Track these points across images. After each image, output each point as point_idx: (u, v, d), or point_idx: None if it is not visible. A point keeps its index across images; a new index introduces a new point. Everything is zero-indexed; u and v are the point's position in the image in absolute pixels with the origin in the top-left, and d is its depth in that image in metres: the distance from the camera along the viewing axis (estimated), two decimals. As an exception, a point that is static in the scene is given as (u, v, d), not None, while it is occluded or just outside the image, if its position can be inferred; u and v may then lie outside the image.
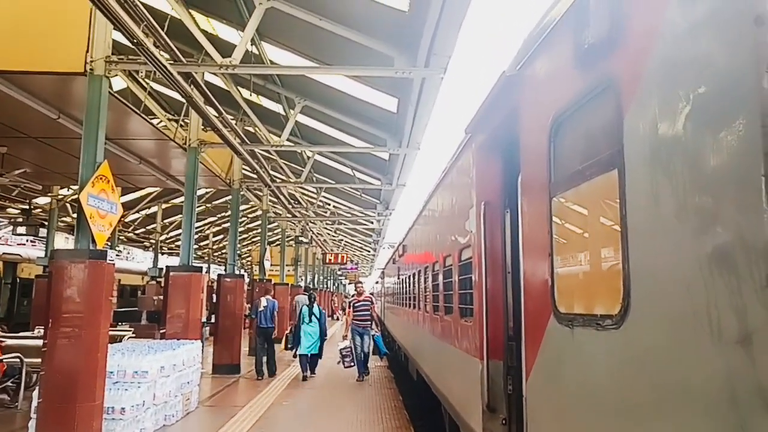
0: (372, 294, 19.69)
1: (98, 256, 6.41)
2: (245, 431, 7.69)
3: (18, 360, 8.54)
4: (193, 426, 8.24)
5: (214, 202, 21.52)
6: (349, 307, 13.63)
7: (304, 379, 12.22)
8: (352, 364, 12.38)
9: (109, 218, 6.81)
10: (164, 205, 21.86)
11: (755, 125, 1.47)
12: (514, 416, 4.11)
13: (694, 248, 1.70)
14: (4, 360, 8.51)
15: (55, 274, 6.24)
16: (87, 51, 6.72)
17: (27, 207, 17.80)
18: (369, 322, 12.80)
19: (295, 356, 13.25)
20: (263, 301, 12.99)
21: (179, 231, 27.04)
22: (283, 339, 13.85)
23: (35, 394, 6.44)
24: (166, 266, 11.88)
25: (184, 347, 8.59)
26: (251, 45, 8.46)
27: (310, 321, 12.54)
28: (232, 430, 7.73)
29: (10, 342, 9.50)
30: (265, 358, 12.62)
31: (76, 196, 16.69)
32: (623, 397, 2.12)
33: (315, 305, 12.93)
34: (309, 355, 12.53)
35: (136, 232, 25.10)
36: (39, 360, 8.33)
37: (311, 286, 27.35)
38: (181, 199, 20.46)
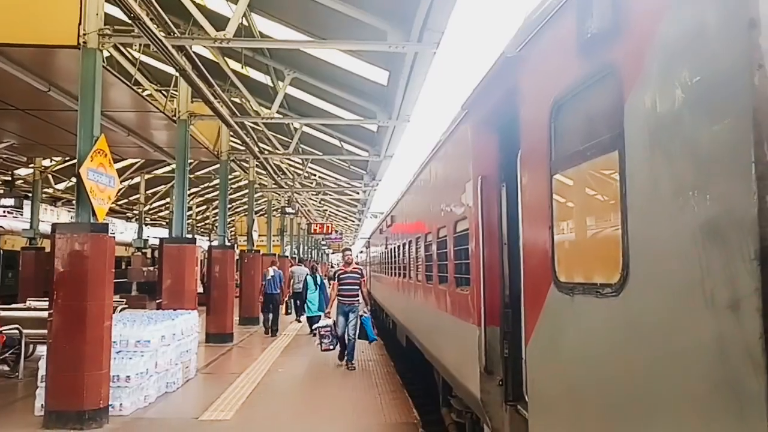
0: (360, 264, 17.60)
1: (100, 230, 6.52)
2: (245, 396, 7.97)
3: (17, 331, 8.65)
4: (194, 392, 8.50)
5: (196, 173, 21.42)
6: (334, 279, 10.92)
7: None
8: (331, 347, 10.31)
9: (107, 192, 6.88)
10: (147, 176, 21.72)
11: (747, 117, 1.67)
12: (510, 378, 4.39)
13: (690, 224, 1.90)
14: (3, 331, 8.61)
15: (58, 248, 6.33)
16: (80, 24, 6.67)
17: (9, 179, 17.61)
18: (357, 299, 10.55)
19: (297, 320, 17.21)
20: (270, 271, 15.41)
21: (162, 202, 27.09)
22: (283, 305, 16.54)
23: (40, 363, 6.61)
24: (160, 238, 11.97)
25: (182, 317, 8.78)
26: (242, 17, 8.43)
27: (316, 289, 14.31)
28: (233, 395, 8.00)
29: (5, 314, 9.58)
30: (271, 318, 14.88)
31: (60, 168, 16.48)
32: (621, 360, 2.31)
33: (317, 275, 14.80)
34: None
35: (119, 203, 24.91)
36: (37, 331, 8.54)
37: (302, 257, 27.59)
38: (165, 169, 20.46)
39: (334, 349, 10.37)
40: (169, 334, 8.09)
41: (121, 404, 6.88)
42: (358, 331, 10.34)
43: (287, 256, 25.17)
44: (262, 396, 8.09)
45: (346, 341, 10.22)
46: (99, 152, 6.70)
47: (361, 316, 10.50)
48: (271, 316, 14.91)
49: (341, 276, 10.52)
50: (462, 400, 5.86)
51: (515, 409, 4.24)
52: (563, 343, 2.99)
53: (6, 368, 9.00)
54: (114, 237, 6.80)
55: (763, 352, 1.54)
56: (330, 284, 13.55)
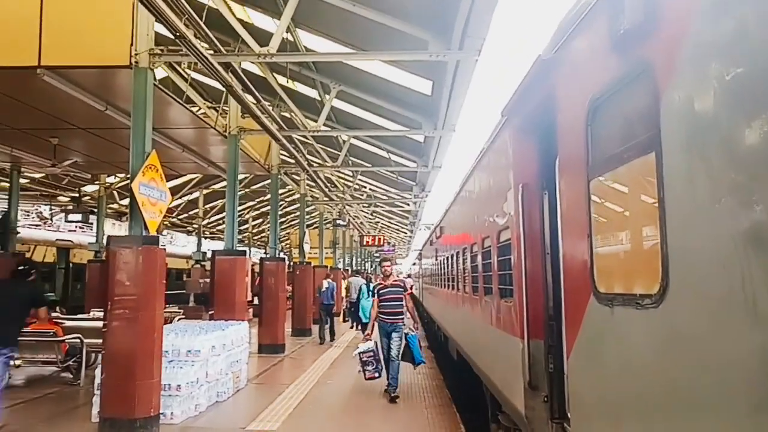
0: (405, 276, 17.95)
1: (151, 242, 6.74)
2: (293, 407, 8.01)
3: (78, 340, 9.06)
4: (243, 402, 8.62)
5: (252, 187, 21.97)
6: (374, 296, 9.59)
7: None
8: (376, 374, 8.93)
9: (159, 205, 7.13)
10: (205, 191, 22.47)
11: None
12: (556, 393, 4.20)
13: (730, 228, 1.76)
14: (66, 340, 9.04)
15: (112, 260, 6.58)
16: (131, 44, 6.98)
17: (76, 195, 18.61)
18: (401, 317, 9.11)
19: (351, 327, 18.97)
20: (325, 283, 16.47)
21: (220, 215, 27.93)
22: (341, 313, 18.27)
23: (97, 372, 6.87)
24: (212, 251, 12.31)
25: (233, 327, 8.95)
26: (286, 32, 8.61)
27: (368, 296, 15.06)
28: (281, 406, 8.07)
29: (69, 324, 10.07)
30: (327, 328, 16.15)
31: (123, 184, 17.26)
32: (662, 374, 2.19)
33: (371, 284, 15.78)
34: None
35: (180, 217, 25.86)
36: (97, 340, 8.90)
37: (357, 268, 27.95)
38: (221, 184, 21.09)
39: (380, 376, 8.93)
40: (220, 344, 8.26)
41: (172, 413, 7.06)
42: (401, 352, 8.99)
43: (339, 269, 25.35)
44: (309, 408, 8.12)
45: (390, 363, 8.91)
46: (150, 167, 6.96)
47: (406, 334, 9.06)
48: (327, 325, 16.11)
49: (381, 291, 9.20)
50: (509, 417, 5.68)
51: (561, 426, 4.05)
52: (604, 356, 2.84)
53: (69, 376, 9.43)
54: (165, 249, 7.01)
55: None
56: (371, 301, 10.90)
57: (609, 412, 2.78)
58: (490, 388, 6.48)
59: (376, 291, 9.40)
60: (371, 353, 8.90)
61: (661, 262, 2.17)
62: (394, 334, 8.95)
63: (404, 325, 9.14)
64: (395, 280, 9.49)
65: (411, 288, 18.07)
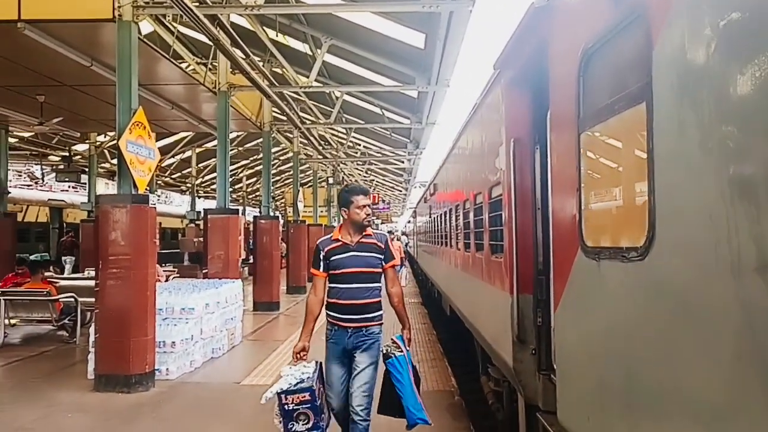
0: (399, 234, 15.69)
1: (140, 201, 6.69)
2: (287, 362, 8.12)
3: (73, 299, 9.10)
4: (238, 358, 8.76)
5: (246, 146, 21.75)
6: (317, 267, 4.28)
7: None
8: None
9: (147, 163, 7.04)
10: (198, 149, 22.24)
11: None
12: (544, 347, 4.26)
13: (717, 179, 1.72)
14: (60, 299, 9.09)
15: (102, 219, 6.55)
16: (114, -3, 6.75)
17: (67, 154, 18.39)
18: (375, 314, 4.26)
19: None
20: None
21: (214, 174, 27.70)
22: None
23: (91, 330, 6.93)
24: (204, 209, 12.27)
25: (226, 286, 9.00)
26: (276, -17, 8.34)
27: None
28: (276, 361, 8.20)
29: (63, 283, 10.10)
30: None
31: (114, 143, 17.07)
32: (646, 326, 2.20)
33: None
34: None
35: (173, 176, 25.67)
36: (92, 299, 8.96)
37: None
38: (215, 142, 20.84)
39: None
40: (213, 302, 8.32)
41: (167, 369, 7.17)
42: (380, 397, 4.30)
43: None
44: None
45: (350, 424, 4.12)
46: (137, 125, 6.84)
47: (388, 355, 4.26)
48: None
49: (334, 257, 4.23)
50: (499, 369, 5.78)
51: (548, 378, 4.12)
52: (589, 309, 2.85)
53: (65, 334, 9.52)
54: (155, 207, 6.95)
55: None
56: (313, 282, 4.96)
57: (593, 364, 2.81)
58: (481, 343, 6.57)
59: (322, 257, 4.26)
60: (307, 395, 3.95)
61: (648, 215, 2.14)
62: (360, 356, 4.17)
63: (382, 332, 4.29)
64: (366, 237, 4.29)
65: (401, 250, 17.25)
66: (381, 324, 4.32)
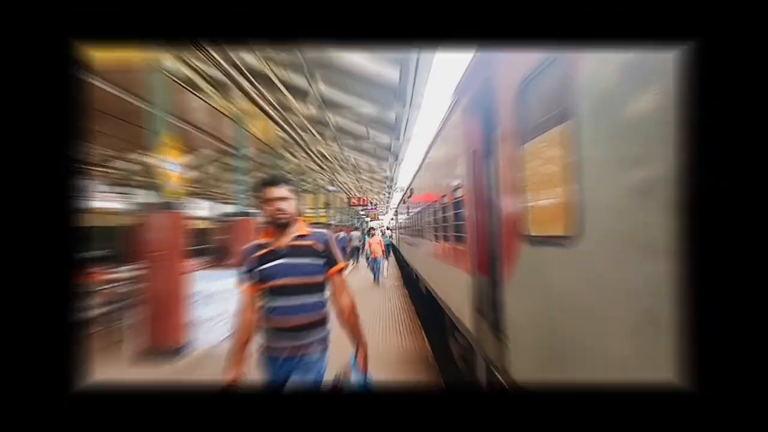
0: (384, 228, 17.38)
1: (170, 207, 6.62)
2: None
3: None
4: (255, 333, 8.66)
5: (259, 161, 21.51)
6: (241, 281, 2.65)
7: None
8: None
9: (176, 177, 6.95)
10: (218, 164, 21.95)
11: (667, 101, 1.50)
12: (497, 316, 4.28)
13: (627, 183, 1.76)
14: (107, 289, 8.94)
15: (142, 222, 6.47)
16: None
17: (113, 170, 18.11)
18: (316, 336, 2.58)
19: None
20: (340, 234, 18.11)
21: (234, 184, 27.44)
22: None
23: (133, 313, 6.83)
24: (224, 213, 12.16)
25: (244, 274, 8.92)
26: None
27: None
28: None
29: (110, 276, 9.93)
30: None
31: (149, 161, 16.71)
32: (576, 297, 2.24)
33: (365, 235, 18.02)
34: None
35: (196, 187, 25.27)
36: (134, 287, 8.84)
37: (357, 225, 27.86)
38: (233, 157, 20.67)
39: None
40: (234, 286, 8.24)
41: (196, 343, 7.08)
42: None
43: (331, 224, 25.35)
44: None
45: None
46: (167, 145, 6.74)
47: (338, 384, 2.42)
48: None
49: (259, 265, 2.59)
50: (463, 335, 5.81)
51: (502, 341, 4.15)
52: (532, 286, 2.89)
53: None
54: (183, 212, 6.87)
55: (670, 287, 1.41)
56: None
57: (535, 329, 2.85)
58: (449, 314, 6.61)
59: (248, 267, 2.63)
60: None
61: (577, 210, 2.18)
62: (292, 381, 2.51)
63: (325, 356, 2.64)
64: (301, 239, 2.65)
65: (381, 245, 16.34)
66: (323, 347, 2.63)
